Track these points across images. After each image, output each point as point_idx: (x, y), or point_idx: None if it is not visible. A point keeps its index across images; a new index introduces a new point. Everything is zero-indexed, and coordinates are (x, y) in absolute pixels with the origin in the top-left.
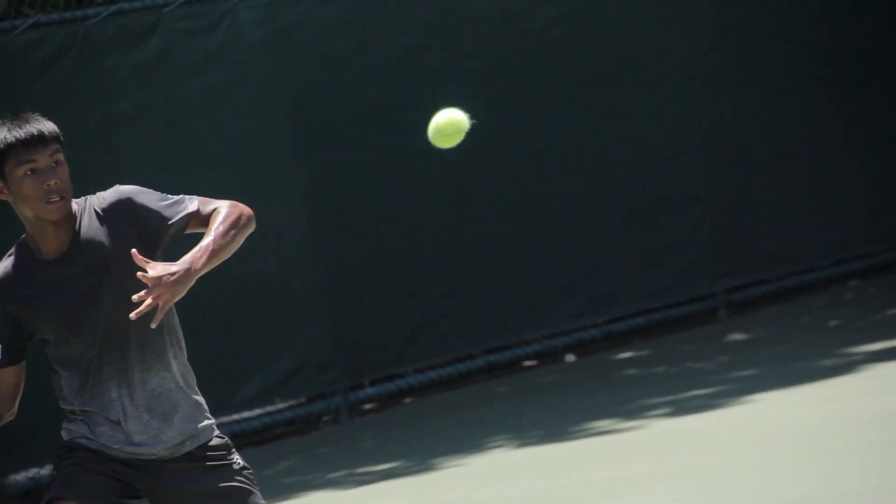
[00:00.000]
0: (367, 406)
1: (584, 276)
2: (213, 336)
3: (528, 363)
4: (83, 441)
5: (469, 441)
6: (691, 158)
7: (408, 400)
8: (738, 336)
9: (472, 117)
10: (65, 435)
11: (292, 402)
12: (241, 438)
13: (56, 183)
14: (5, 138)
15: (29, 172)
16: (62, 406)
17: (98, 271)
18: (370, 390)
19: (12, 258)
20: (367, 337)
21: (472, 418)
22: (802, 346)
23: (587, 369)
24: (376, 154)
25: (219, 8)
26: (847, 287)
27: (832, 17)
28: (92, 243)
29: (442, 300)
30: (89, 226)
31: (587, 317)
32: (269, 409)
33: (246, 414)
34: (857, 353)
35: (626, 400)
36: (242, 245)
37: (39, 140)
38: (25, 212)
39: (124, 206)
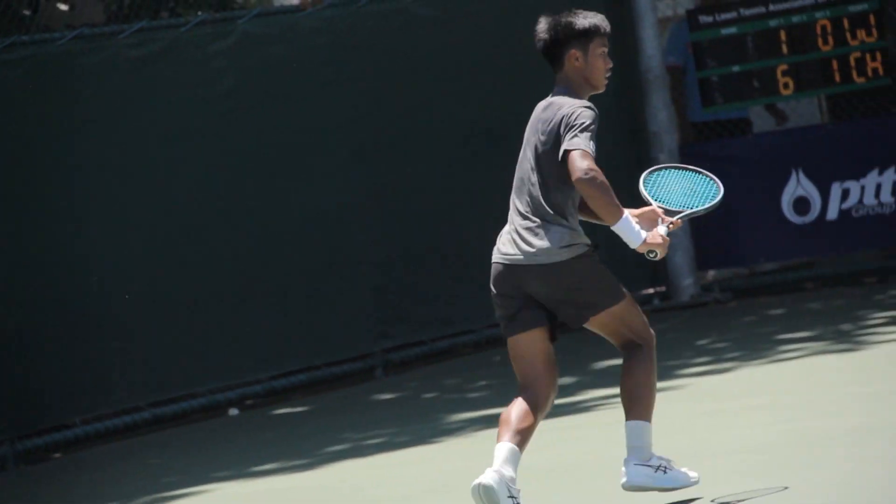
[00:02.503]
0: (35, 456)
1: (249, 333)
2: None
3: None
4: None
5: (130, 492)
6: (355, 223)
7: (75, 451)
8: (387, 395)
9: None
10: None
11: None
12: None
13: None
14: (597, 24)
15: (602, 53)
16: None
17: None
18: (38, 440)
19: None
20: (36, 387)
21: (137, 469)
22: (443, 405)
23: (249, 423)
24: (27, 201)
25: None
26: (496, 350)
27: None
28: None
29: (112, 352)
30: None
31: (251, 373)
32: None
33: None
34: (495, 414)
35: (274, 456)
36: None
37: (610, 34)
38: (589, 78)
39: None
